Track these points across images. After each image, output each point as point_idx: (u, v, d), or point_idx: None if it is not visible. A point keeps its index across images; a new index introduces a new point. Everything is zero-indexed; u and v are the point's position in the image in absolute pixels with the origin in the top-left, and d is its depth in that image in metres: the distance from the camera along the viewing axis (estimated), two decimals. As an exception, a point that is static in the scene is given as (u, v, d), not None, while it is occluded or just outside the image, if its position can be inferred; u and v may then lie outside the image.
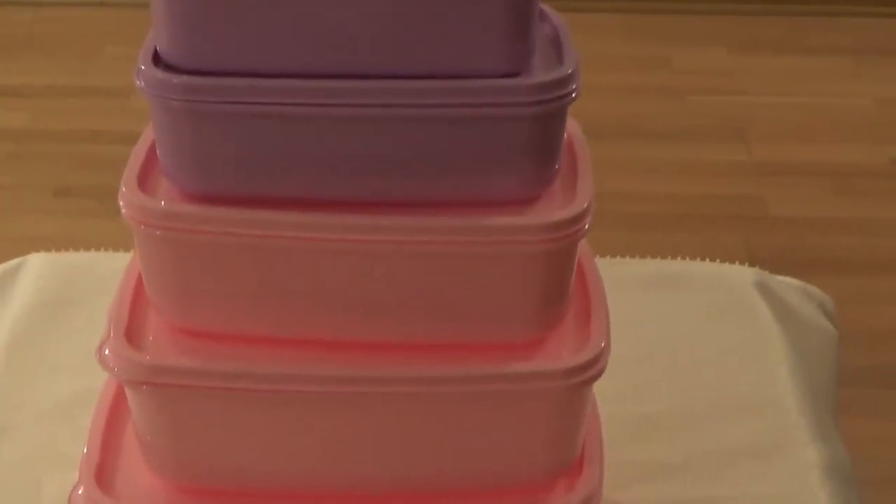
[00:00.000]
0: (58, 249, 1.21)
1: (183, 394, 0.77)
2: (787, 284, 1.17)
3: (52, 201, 2.12)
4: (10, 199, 2.13)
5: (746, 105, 2.43)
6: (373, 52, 0.71)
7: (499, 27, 0.72)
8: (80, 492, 0.79)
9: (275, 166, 0.74)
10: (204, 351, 0.78)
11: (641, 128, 2.34)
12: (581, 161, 0.82)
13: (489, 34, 0.72)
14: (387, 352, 0.78)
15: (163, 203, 0.75)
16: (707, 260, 1.20)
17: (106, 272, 1.10)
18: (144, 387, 0.77)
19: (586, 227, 0.76)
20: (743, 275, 1.16)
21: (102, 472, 0.80)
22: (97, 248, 1.22)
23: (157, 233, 0.75)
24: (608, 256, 1.18)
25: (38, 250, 1.20)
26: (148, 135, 0.81)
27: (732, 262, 1.20)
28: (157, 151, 0.76)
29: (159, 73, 0.72)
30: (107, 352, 0.77)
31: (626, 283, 1.13)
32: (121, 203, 0.76)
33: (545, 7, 0.82)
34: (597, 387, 0.80)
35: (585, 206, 0.76)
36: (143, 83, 0.72)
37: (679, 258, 1.20)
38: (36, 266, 1.16)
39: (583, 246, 0.84)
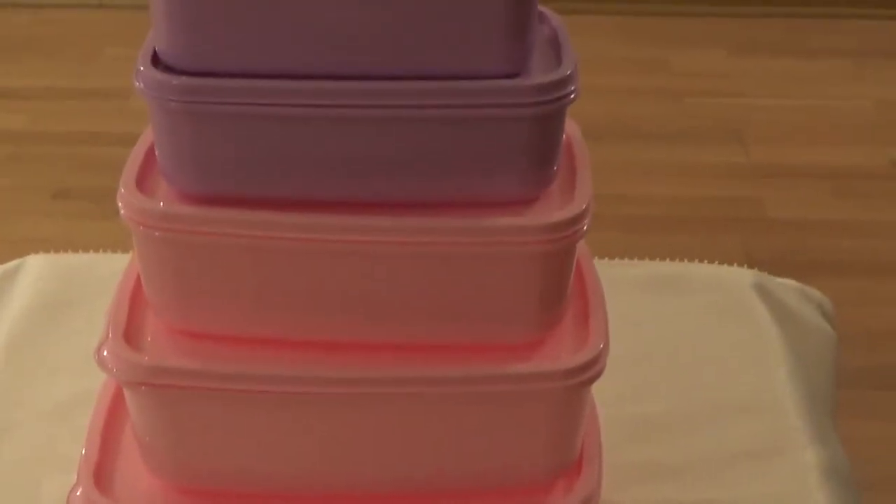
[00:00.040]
0: (57, 251, 1.21)
1: (181, 395, 0.77)
2: (785, 286, 1.17)
3: (51, 203, 2.12)
4: (9, 201, 2.13)
5: (745, 107, 2.43)
6: (372, 53, 0.71)
7: (498, 28, 0.72)
8: (78, 493, 0.79)
9: (274, 167, 0.74)
10: (202, 352, 0.78)
11: (640, 130, 2.35)
12: (580, 162, 0.82)
13: (488, 35, 0.72)
14: (386, 353, 0.78)
15: (161, 204, 0.75)
16: (706, 262, 1.20)
17: (105, 274, 1.10)
18: (143, 388, 0.77)
19: (585, 228, 0.76)
20: (741, 276, 1.16)
21: (101, 473, 0.80)
22: (96, 250, 1.22)
23: (156, 234, 0.75)
24: (606, 258, 1.18)
25: (37, 252, 1.20)
26: (146, 136, 0.81)
27: (731, 264, 1.20)
28: (156, 152, 0.76)
29: (158, 74, 0.72)
30: (105, 353, 0.77)
31: (624, 284, 1.13)
32: (119, 204, 0.76)
33: (544, 8, 0.82)
34: (595, 388, 0.80)
35: (584, 207, 0.76)
36: (141, 84, 0.73)
37: (678, 260, 1.20)
38: (35, 268, 1.16)
39: (581, 247, 0.84)
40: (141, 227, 0.75)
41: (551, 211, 0.76)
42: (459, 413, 0.78)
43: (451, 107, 0.72)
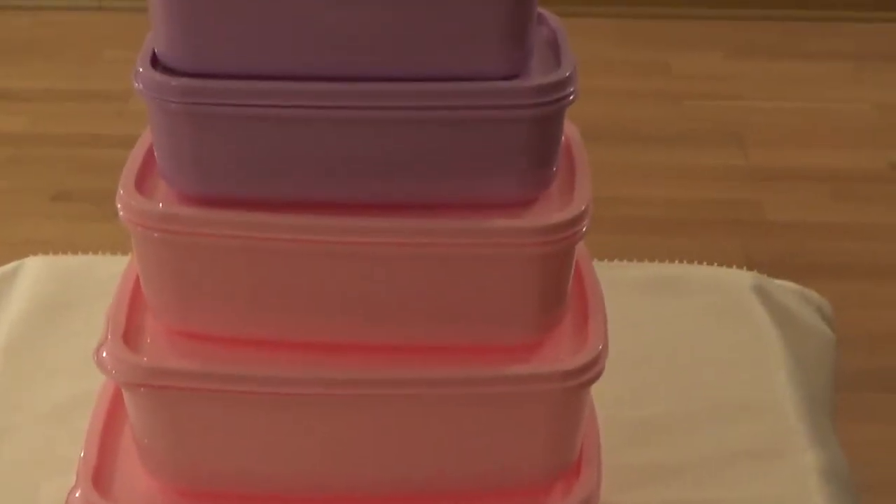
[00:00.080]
0: (57, 253, 1.21)
1: (180, 396, 0.77)
2: (785, 288, 1.17)
3: (51, 205, 2.12)
4: (9, 203, 2.13)
5: (744, 110, 2.43)
6: (371, 55, 0.71)
7: (497, 30, 0.72)
8: (77, 494, 0.79)
9: (273, 169, 0.74)
10: (201, 353, 0.78)
11: (639, 132, 2.35)
12: (579, 164, 0.82)
13: (488, 37, 0.72)
14: (385, 354, 0.78)
15: (160, 205, 0.75)
16: (705, 264, 1.20)
17: (103, 275, 1.10)
18: (142, 389, 0.77)
19: (584, 229, 0.76)
20: (741, 278, 1.16)
21: (100, 475, 0.80)
22: (96, 252, 1.21)
23: (155, 235, 0.75)
24: (606, 260, 1.18)
25: (36, 254, 1.20)
26: (146, 137, 0.81)
27: (730, 266, 1.20)
28: (155, 154, 0.76)
29: (157, 76, 0.72)
30: (104, 354, 0.77)
31: (623, 286, 1.13)
32: (118, 205, 0.76)
33: (543, 10, 0.82)
34: (595, 390, 0.80)
35: (583, 208, 0.76)
36: (141, 85, 0.73)
37: (677, 262, 1.20)
38: (33, 270, 1.16)
39: (580, 249, 0.84)
40: (140, 229, 0.75)
41: (550, 212, 0.76)
42: (458, 414, 0.78)
43: (451, 108, 0.72)
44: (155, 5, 0.71)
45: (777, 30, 2.73)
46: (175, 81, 0.72)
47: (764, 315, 1.11)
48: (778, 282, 1.18)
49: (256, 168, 0.74)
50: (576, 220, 0.76)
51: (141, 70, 0.73)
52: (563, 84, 0.74)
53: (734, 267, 1.20)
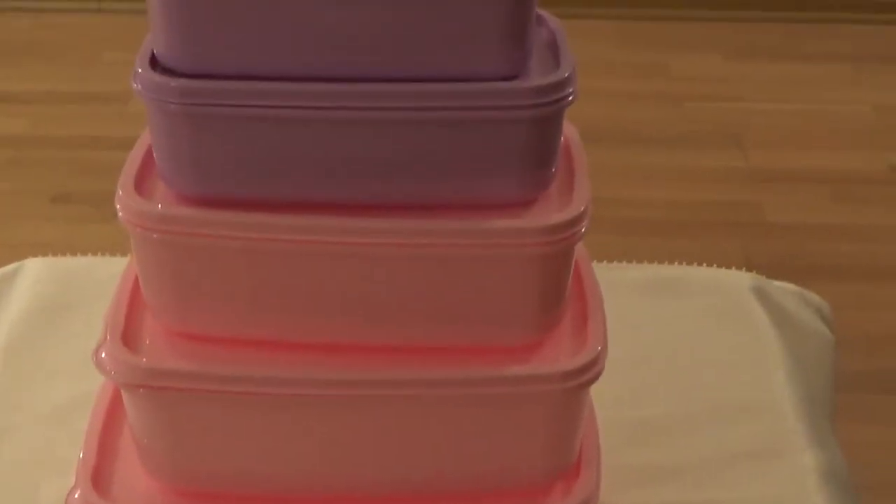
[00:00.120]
0: (56, 255, 1.21)
1: (180, 397, 0.77)
2: (784, 290, 1.17)
3: (51, 207, 2.12)
4: (9, 205, 2.13)
5: (743, 112, 2.43)
6: (370, 56, 0.71)
7: (496, 31, 0.72)
8: (76, 495, 0.79)
9: (272, 169, 0.74)
10: (201, 354, 0.78)
11: (639, 134, 2.35)
12: (578, 165, 0.82)
13: (487, 37, 0.72)
14: (384, 355, 0.78)
15: (159, 206, 0.75)
16: (704, 265, 1.20)
17: (103, 277, 1.10)
18: (141, 390, 0.77)
19: (583, 230, 0.76)
20: (740, 280, 1.16)
21: (99, 476, 0.80)
22: (95, 254, 1.21)
23: (154, 236, 0.75)
24: (605, 261, 1.18)
25: (36, 256, 1.20)
26: (144, 139, 0.81)
27: (730, 268, 1.20)
28: (154, 155, 0.76)
29: (156, 77, 0.72)
30: (103, 355, 0.77)
31: (623, 287, 1.13)
32: (117, 206, 0.76)
33: (542, 11, 0.82)
34: (594, 391, 0.80)
35: (582, 209, 0.76)
36: (140, 86, 0.73)
37: (677, 263, 1.20)
38: (33, 271, 1.16)
39: (580, 250, 0.84)
40: (139, 230, 0.75)
41: (549, 213, 0.76)
42: (458, 415, 0.78)
43: (450, 109, 0.72)
44: (154, 6, 0.71)
45: (776, 31, 2.73)
46: (174, 82, 0.72)
47: (763, 316, 1.11)
48: (777, 283, 1.18)
49: (255, 169, 0.74)
50: (575, 221, 0.76)
51: (140, 71, 0.73)
52: (562, 85, 0.74)
53: (734, 268, 1.20)
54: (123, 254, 1.15)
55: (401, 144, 0.73)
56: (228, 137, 0.73)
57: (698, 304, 1.12)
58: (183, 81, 0.72)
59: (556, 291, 0.78)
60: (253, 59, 0.71)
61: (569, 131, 0.84)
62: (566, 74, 0.74)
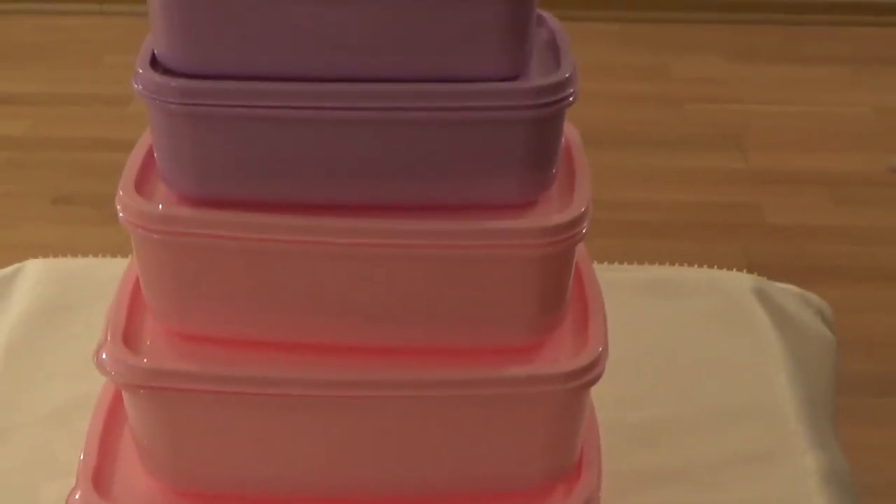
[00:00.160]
0: (56, 257, 1.21)
1: (180, 397, 0.77)
2: (785, 291, 1.17)
3: (52, 209, 2.12)
4: (10, 207, 2.13)
5: (743, 113, 2.43)
6: (371, 56, 0.71)
7: (497, 31, 0.72)
8: (77, 496, 0.79)
9: (273, 170, 0.74)
10: (201, 354, 0.78)
11: (639, 136, 2.35)
12: (578, 166, 0.82)
13: (487, 38, 0.72)
14: (385, 356, 0.78)
15: (160, 207, 0.75)
16: (705, 267, 1.20)
17: (103, 278, 1.10)
18: (141, 391, 0.77)
19: (584, 231, 0.76)
20: (741, 281, 1.16)
21: (99, 476, 0.80)
22: (96, 255, 1.21)
23: (155, 237, 0.75)
24: (606, 263, 1.18)
25: (37, 258, 1.20)
26: (145, 139, 0.81)
27: (731, 269, 1.20)
28: (155, 155, 0.76)
29: (157, 77, 0.72)
30: (104, 356, 0.77)
31: (623, 288, 1.13)
32: (118, 207, 0.76)
33: (543, 12, 0.82)
34: (595, 392, 0.80)
35: (583, 209, 0.76)
36: (140, 86, 0.73)
37: (677, 265, 1.20)
38: (33, 272, 1.16)
39: (580, 251, 0.84)
40: (139, 230, 0.75)
41: (550, 214, 0.76)
42: (458, 416, 0.78)
43: (450, 109, 0.72)
44: (154, 7, 0.71)
45: (777, 34, 2.74)
46: (174, 82, 0.72)
47: (764, 317, 1.11)
48: (778, 284, 1.18)
49: (256, 169, 0.74)
50: (575, 222, 0.76)
51: (140, 71, 0.73)
52: (562, 85, 0.74)
53: (734, 270, 1.20)
54: (124, 255, 1.15)
55: (401, 145, 0.73)
56: (229, 138, 0.73)
57: (699, 306, 1.12)
58: (183, 81, 0.72)
59: (557, 292, 0.78)
60: (253, 59, 0.71)
61: (570, 132, 0.84)
62: (567, 75, 0.74)
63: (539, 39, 0.80)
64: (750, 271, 1.20)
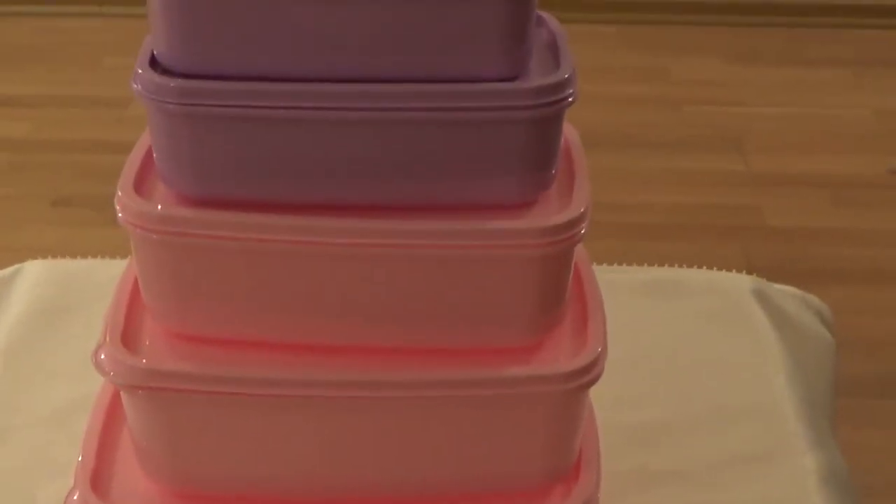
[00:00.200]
0: (57, 259, 1.21)
1: (179, 398, 0.76)
2: (784, 292, 1.17)
3: (52, 211, 2.12)
4: (10, 209, 2.13)
5: (744, 116, 2.43)
6: (370, 56, 0.71)
7: (496, 31, 0.72)
8: (75, 497, 0.79)
9: (272, 170, 0.74)
10: (200, 355, 0.78)
11: (639, 138, 2.35)
12: (578, 166, 0.82)
13: (487, 38, 0.72)
14: (384, 356, 0.78)
15: (159, 207, 0.75)
16: (704, 268, 1.20)
17: (103, 279, 1.10)
18: (140, 391, 0.77)
19: (583, 231, 0.76)
20: (740, 282, 1.16)
21: (98, 478, 0.80)
22: (95, 258, 1.21)
23: (154, 237, 0.75)
24: (605, 264, 1.18)
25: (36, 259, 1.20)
26: (144, 140, 0.81)
27: (730, 271, 1.20)
28: (154, 156, 0.76)
29: (156, 77, 0.72)
30: (102, 356, 0.77)
31: (623, 289, 1.13)
32: (117, 207, 0.76)
33: (542, 13, 0.82)
34: (594, 393, 0.80)
35: (582, 210, 0.76)
36: (139, 86, 0.73)
37: (677, 266, 1.20)
38: (33, 273, 1.16)
39: (580, 252, 0.84)
40: (138, 230, 0.75)
41: (549, 214, 0.76)
42: (457, 417, 0.78)
43: (450, 109, 0.72)
44: (154, 6, 0.71)
45: (777, 36, 2.74)
46: (173, 82, 0.72)
47: (763, 318, 1.11)
48: (777, 286, 1.18)
49: (255, 169, 0.74)
50: (575, 222, 0.76)
51: (140, 71, 0.73)
52: (562, 86, 0.74)
53: (734, 271, 1.20)
54: (123, 257, 1.15)
55: (401, 145, 0.73)
56: (228, 138, 0.73)
57: (698, 307, 1.12)
58: (182, 82, 0.72)
59: (556, 293, 0.78)
60: (253, 59, 0.71)
61: (569, 133, 0.84)
62: (566, 75, 0.74)
63: (538, 40, 0.80)
64: (750, 273, 1.20)
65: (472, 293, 0.76)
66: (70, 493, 0.80)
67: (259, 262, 0.75)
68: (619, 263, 1.21)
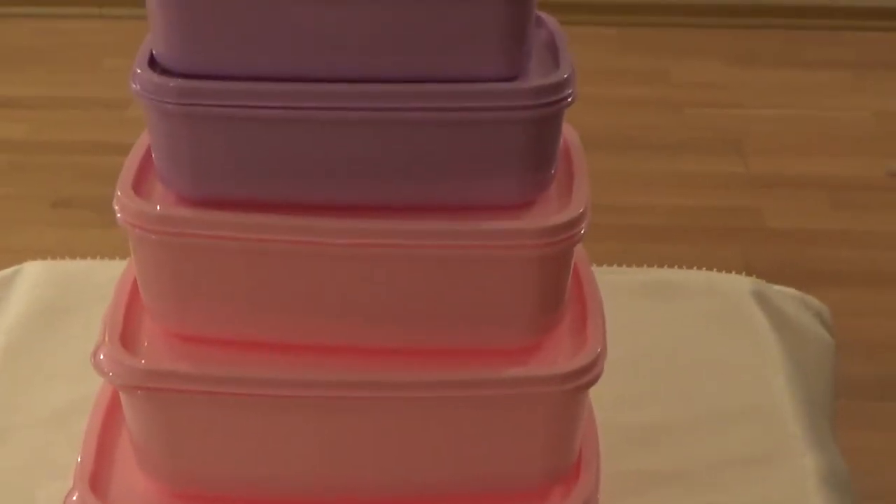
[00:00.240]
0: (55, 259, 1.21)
1: (178, 398, 0.76)
2: (784, 294, 1.17)
3: (52, 212, 2.12)
4: (9, 210, 2.13)
5: (743, 118, 2.43)
6: (370, 56, 0.71)
7: (496, 31, 0.72)
8: (74, 498, 0.79)
9: (271, 170, 0.74)
10: (199, 355, 0.78)
11: (639, 140, 2.35)
12: (577, 167, 0.82)
13: (486, 38, 0.72)
14: (383, 356, 0.78)
15: (158, 207, 0.75)
16: (704, 269, 1.20)
17: (102, 280, 1.10)
18: (139, 392, 0.77)
19: (582, 231, 0.76)
20: (740, 283, 1.16)
21: (97, 478, 0.80)
22: (94, 259, 1.21)
23: (153, 237, 0.75)
24: (605, 265, 1.18)
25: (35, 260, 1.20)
26: (143, 140, 0.81)
27: (730, 273, 1.20)
28: (153, 156, 0.76)
29: (155, 77, 0.72)
30: (101, 356, 0.77)
31: (622, 290, 1.13)
32: (116, 208, 0.76)
33: (542, 13, 0.82)
34: (593, 393, 0.80)
35: (581, 210, 0.76)
36: (138, 86, 0.73)
37: (676, 267, 1.20)
38: (32, 274, 1.16)
39: (579, 252, 0.84)
40: (137, 231, 0.75)
41: (548, 214, 0.76)
42: (456, 417, 0.78)
43: (449, 109, 0.72)
44: (153, 6, 0.71)
45: (777, 38, 2.74)
46: (172, 82, 0.72)
47: (763, 320, 1.11)
48: (777, 287, 1.18)
49: (254, 169, 0.74)
50: (574, 223, 0.76)
51: (139, 71, 0.73)
52: (561, 86, 0.74)
53: (733, 273, 1.20)
54: (123, 258, 1.15)
55: (400, 145, 0.73)
56: (227, 138, 0.73)
57: (698, 308, 1.12)
58: (181, 81, 0.72)
59: (555, 293, 0.78)
60: (252, 59, 0.71)
61: (568, 134, 0.84)
62: (565, 75, 0.74)
63: (538, 40, 0.80)
64: (749, 275, 1.20)
65: (472, 294, 0.76)
66: (69, 494, 0.80)
67: (258, 263, 0.75)
68: (619, 265, 1.21)
